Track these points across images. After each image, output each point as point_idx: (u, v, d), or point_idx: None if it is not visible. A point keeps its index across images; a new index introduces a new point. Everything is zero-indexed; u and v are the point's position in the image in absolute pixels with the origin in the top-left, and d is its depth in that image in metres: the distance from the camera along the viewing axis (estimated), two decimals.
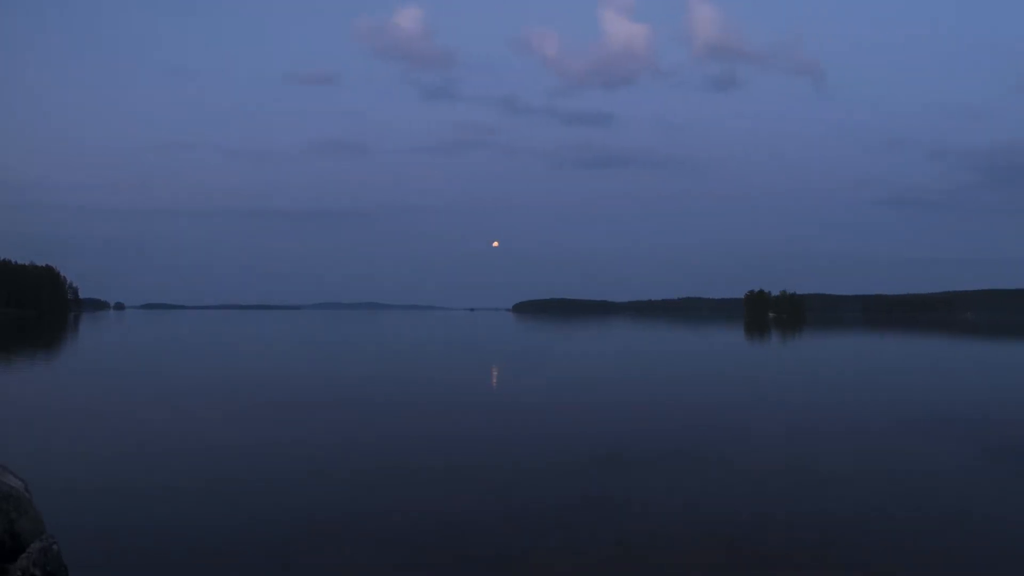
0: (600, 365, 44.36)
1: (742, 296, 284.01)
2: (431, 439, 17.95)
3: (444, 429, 19.51)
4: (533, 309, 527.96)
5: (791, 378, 37.16)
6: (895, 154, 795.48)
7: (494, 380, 35.52)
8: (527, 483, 13.65)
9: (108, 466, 14.58)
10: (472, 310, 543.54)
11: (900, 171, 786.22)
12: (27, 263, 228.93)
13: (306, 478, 13.76)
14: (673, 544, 10.30)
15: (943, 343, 77.72)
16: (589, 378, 35.09)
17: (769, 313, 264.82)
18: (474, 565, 9.40)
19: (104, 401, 24.65)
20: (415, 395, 27.16)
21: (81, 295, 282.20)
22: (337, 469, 14.64)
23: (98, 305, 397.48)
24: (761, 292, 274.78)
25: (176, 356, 48.49)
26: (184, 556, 9.30)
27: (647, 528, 11.03)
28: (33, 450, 15.57)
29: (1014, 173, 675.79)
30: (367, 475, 14.11)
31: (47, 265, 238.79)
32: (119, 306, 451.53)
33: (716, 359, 50.73)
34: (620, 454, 16.39)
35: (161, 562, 9.07)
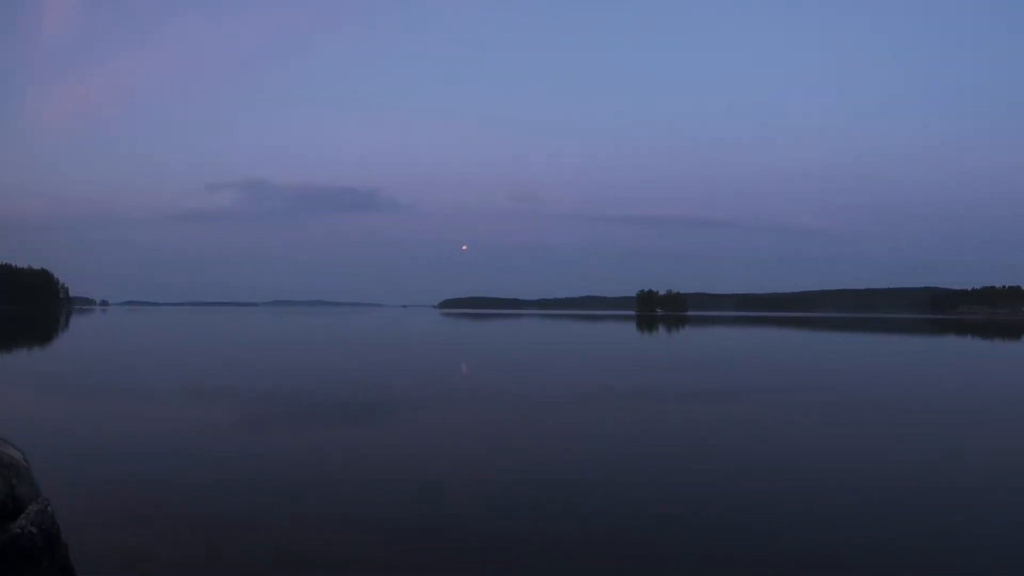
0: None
1: (635, 294, 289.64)
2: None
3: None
4: (456, 306, 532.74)
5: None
6: None
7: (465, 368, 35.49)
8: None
9: (92, 437, 14.21)
10: (405, 307, 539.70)
11: None
12: (25, 266, 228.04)
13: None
14: None
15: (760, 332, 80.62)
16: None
17: (657, 309, 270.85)
18: None
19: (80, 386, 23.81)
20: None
21: (71, 294, 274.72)
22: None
23: (86, 302, 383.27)
24: (651, 291, 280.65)
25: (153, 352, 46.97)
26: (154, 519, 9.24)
27: None
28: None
29: None
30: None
31: (42, 268, 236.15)
32: (104, 303, 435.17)
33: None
34: None
35: (143, 529, 9.02)
